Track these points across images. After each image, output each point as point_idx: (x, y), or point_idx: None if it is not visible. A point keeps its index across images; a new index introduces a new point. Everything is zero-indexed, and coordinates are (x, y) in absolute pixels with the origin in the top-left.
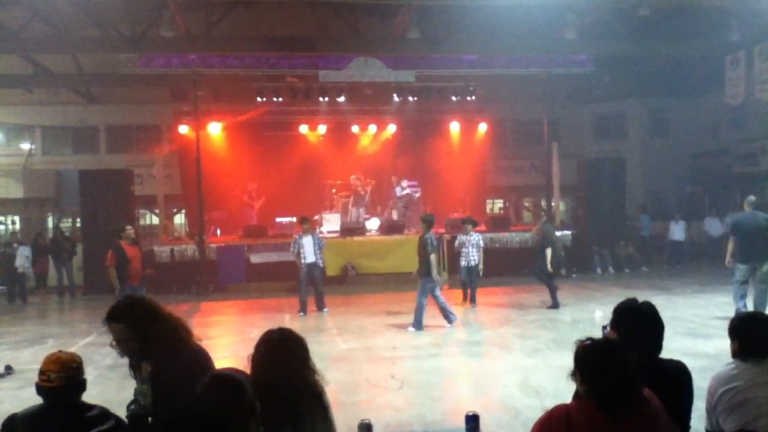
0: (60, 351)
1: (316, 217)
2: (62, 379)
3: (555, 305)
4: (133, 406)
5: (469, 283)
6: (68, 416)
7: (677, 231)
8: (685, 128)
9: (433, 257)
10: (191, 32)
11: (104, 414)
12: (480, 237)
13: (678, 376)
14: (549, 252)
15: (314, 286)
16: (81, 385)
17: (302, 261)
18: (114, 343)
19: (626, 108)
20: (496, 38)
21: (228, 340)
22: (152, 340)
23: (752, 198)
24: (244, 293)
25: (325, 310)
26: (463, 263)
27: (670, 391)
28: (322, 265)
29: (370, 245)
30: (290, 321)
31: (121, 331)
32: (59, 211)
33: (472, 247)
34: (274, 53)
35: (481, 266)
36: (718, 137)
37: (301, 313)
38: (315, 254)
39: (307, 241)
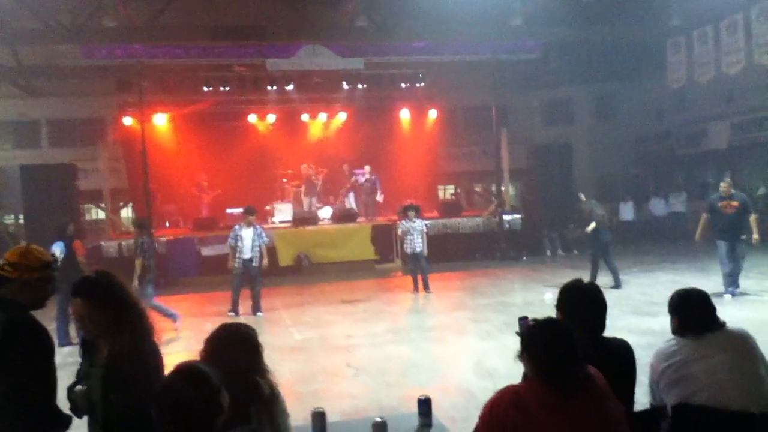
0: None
1: (268, 207)
2: (9, 271)
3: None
4: (77, 387)
5: (419, 270)
6: (4, 313)
7: (626, 211)
8: (629, 112)
9: (138, 262)
10: (135, 22)
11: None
12: (424, 223)
13: (621, 353)
14: (593, 224)
15: (250, 286)
16: (29, 283)
17: (238, 255)
18: (75, 317)
19: (573, 93)
20: (444, 25)
21: (181, 333)
22: (113, 323)
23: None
24: (197, 287)
25: (260, 314)
26: (408, 250)
27: (613, 368)
28: (257, 263)
29: (324, 234)
30: (246, 315)
31: (80, 307)
32: (1, 209)
33: (417, 234)
34: (221, 42)
35: (425, 252)
36: (662, 120)
37: (232, 313)
38: (253, 250)
39: (247, 235)
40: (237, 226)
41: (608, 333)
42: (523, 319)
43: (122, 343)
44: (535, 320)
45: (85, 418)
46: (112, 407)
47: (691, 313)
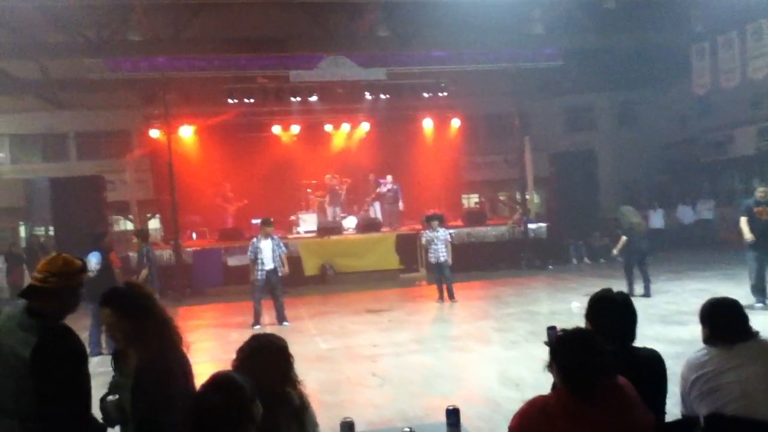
0: (60, 254)
1: (293, 218)
2: (37, 279)
3: (630, 291)
4: (109, 397)
5: (444, 279)
6: (37, 324)
7: (656, 219)
8: (653, 119)
9: (144, 272)
10: (159, 35)
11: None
12: (447, 232)
13: (651, 363)
14: (624, 239)
15: (273, 297)
16: (63, 291)
17: (260, 267)
18: (104, 326)
19: (595, 100)
20: (465, 34)
21: (207, 344)
22: (141, 333)
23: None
24: (222, 296)
25: (286, 323)
26: (432, 260)
27: (643, 378)
28: (280, 273)
29: (348, 244)
30: (268, 323)
31: (110, 317)
32: (31, 221)
33: (440, 243)
34: (244, 54)
35: (449, 261)
36: (686, 127)
37: (257, 327)
38: (274, 260)
39: (266, 246)
40: (255, 239)
41: (637, 342)
42: (551, 329)
43: (149, 353)
44: (564, 330)
45: (118, 428)
46: (142, 417)
47: (723, 322)
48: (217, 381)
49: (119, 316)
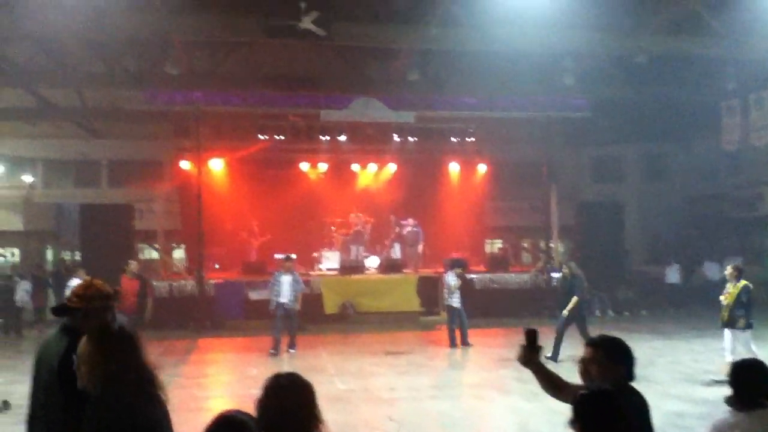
0: (94, 279)
1: (315, 255)
2: (75, 301)
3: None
4: None
5: (462, 323)
6: (68, 337)
7: (672, 274)
8: (681, 173)
9: None
10: (196, 70)
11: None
12: (455, 278)
13: (641, 404)
14: (576, 299)
15: (288, 326)
16: (90, 312)
17: (276, 299)
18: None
19: (623, 152)
20: (495, 81)
21: (225, 378)
22: (116, 375)
23: None
24: (242, 330)
25: (292, 350)
26: (455, 304)
27: (633, 419)
28: (295, 306)
29: (369, 284)
30: (288, 360)
31: (89, 353)
32: (59, 244)
33: (457, 289)
34: (277, 92)
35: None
36: (715, 182)
37: (273, 351)
38: (290, 295)
39: (285, 280)
40: (277, 273)
41: (661, 401)
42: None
43: (117, 405)
44: (587, 389)
45: None
46: None
47: (748, 384)
48: (225, 422)
49: (97, 353)
